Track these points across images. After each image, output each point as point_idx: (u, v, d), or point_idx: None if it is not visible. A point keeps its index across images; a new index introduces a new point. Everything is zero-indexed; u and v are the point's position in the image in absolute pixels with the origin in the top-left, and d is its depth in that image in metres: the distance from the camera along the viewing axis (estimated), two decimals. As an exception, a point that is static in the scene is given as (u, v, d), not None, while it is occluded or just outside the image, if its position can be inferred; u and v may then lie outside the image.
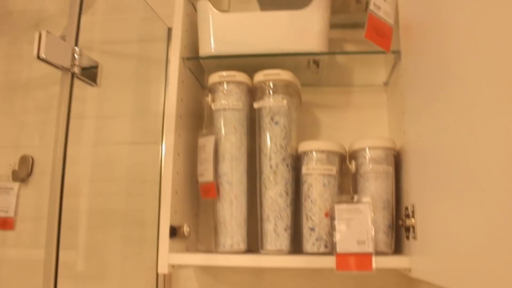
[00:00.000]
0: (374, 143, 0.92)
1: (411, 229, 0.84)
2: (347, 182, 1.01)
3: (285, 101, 0.94)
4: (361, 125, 1.09)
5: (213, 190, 0.93)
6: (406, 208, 0.88)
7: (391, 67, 1.03)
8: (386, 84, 1.10)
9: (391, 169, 0.92)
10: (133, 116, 1.20)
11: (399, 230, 0.94)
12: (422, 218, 0.80)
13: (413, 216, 0.83)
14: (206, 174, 0.94)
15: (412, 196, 0.84)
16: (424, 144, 0.77)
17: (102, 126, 1.20)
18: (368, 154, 0.91)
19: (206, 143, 0.96)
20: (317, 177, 0.91)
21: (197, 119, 1.08)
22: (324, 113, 1.12)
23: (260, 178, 0.95)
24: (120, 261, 1.12)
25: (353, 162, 0.93)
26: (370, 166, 0.91)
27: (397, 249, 0.93)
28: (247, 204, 0.96)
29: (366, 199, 0.88)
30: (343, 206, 0.88)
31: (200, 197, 0.97)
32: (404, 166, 0.91)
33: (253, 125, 0.98)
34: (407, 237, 0.88)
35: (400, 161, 0.94)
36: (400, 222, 0.88)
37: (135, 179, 1.15)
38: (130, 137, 1.18)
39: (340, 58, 1.13)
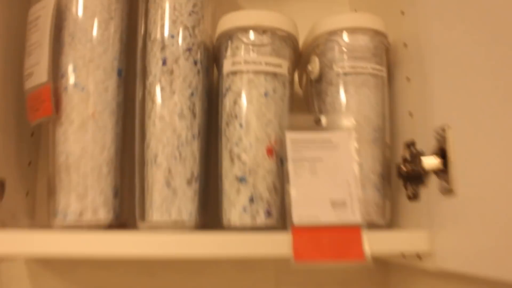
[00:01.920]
0: (356, 22, 0.50)
1: (431, 178, 0.44)
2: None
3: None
4: (311, 21, 0.66)
5: (48, 99, 0.46)
6: (412, 143, 0.48)
7: None
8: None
9: (384, 71, 0.51)
10: None
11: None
12: (460, 154, 0.40)
13: (441, 154, 0.43)
14: (37, 72, 0.48)
15: (440, 115, 0.44)
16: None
17: None
18: (345, 41, 0.49)
19: (41, 12, 0.49)
20: (253, 78, 0.48)
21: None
22: (255, 2, 0.68)
23: (144, 83, 0.50)
24: None
25: (316, 60, 0.51)
26: (349, 63, 0.49)
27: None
28: (116, 131, 0.50)
29: (347, 120, 0.46)
30: (303, 136, 0.45)
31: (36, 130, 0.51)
32: (403, 68, 0.51)
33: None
34: (411, 196, 0.48)
35: (394, 62, 0.54)
36: (401, 168, 0.48)
37: None
38: None
39: None
